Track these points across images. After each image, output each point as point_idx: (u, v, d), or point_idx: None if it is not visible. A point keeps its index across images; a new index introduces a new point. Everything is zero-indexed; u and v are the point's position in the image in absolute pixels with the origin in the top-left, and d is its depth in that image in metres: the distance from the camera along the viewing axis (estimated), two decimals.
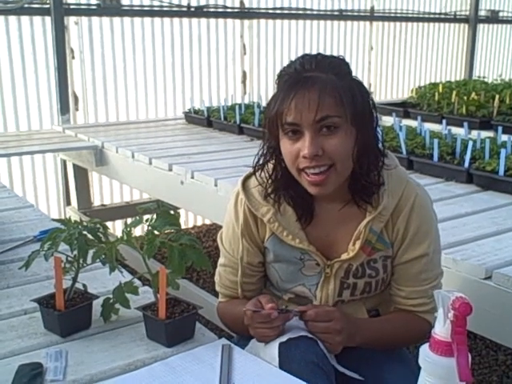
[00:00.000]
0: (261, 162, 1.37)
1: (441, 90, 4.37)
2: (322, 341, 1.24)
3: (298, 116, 1.22)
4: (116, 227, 4.45)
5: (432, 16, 6.28)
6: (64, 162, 4.23)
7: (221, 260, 1.48)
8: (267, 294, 1.36)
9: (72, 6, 4.20)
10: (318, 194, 1.31)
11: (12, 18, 3.96)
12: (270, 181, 1.36)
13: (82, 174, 4.21)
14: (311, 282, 1.39)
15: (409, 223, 1.34)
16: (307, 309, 1.26)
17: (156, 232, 1.32)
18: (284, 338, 1.22)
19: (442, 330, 0.94)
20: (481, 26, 6.68)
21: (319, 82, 1.22)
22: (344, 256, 1.35)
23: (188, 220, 4.78)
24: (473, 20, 6.52)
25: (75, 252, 1.34)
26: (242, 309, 1.28)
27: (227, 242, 1.45)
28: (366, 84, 1.43)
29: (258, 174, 1.38)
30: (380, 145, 1.35)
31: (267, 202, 1.37)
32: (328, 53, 1.35)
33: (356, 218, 1.35)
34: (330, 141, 1.23)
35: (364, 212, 1.34)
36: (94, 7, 4.30)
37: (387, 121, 3.70)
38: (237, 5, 4.99)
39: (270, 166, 1.37)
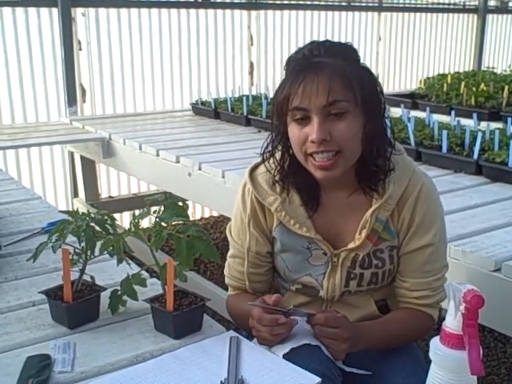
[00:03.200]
0: (269, 148, 1.37)
1: (449, 80, 4.34)
2: (327, 346, 1.22)
3: (306, 101, 1.22)
4: (124, 219, 4.44)
5: (441, 6, 6.25)
6: (71, 154, 4.23)
7: (230, 251, 1.48)
8: (271, 295, 1.33)
9: None
10: (325, 179, 1.30)
11: (19, 10, 3.96)
12: (277, 168, 1.36)
13: (89, 166, 4.22)
14: (318, 271, 1.38)
15: (414, 212, 1.33)
16: (316, 313, 1.24)
17: (163, 224, 1.31)
18: (286, 349, 1.20)
19: (453, 322, 0.93)
20: (490, 17, 6.64)
21: (328, 66, 1.23)
22: (351, 245, 1.34)
23: (195, 212, 4.78)
24: (482, 10, 6.48)
25: (83, 244, 1.34)
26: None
27: (235, 233, 1.45)
28: None
29: (266, 161, 1.38)
30: (389, 133, 1.34)
31: (274, 191, 1.37)
32: None
33: (362, 208, 1.34)
34: (337, 126, 1.23)
35: (370, 200, 1.34)
36: None
37: (395, 112, 3.66)
38: None
39: (278, 156, 1.37)
